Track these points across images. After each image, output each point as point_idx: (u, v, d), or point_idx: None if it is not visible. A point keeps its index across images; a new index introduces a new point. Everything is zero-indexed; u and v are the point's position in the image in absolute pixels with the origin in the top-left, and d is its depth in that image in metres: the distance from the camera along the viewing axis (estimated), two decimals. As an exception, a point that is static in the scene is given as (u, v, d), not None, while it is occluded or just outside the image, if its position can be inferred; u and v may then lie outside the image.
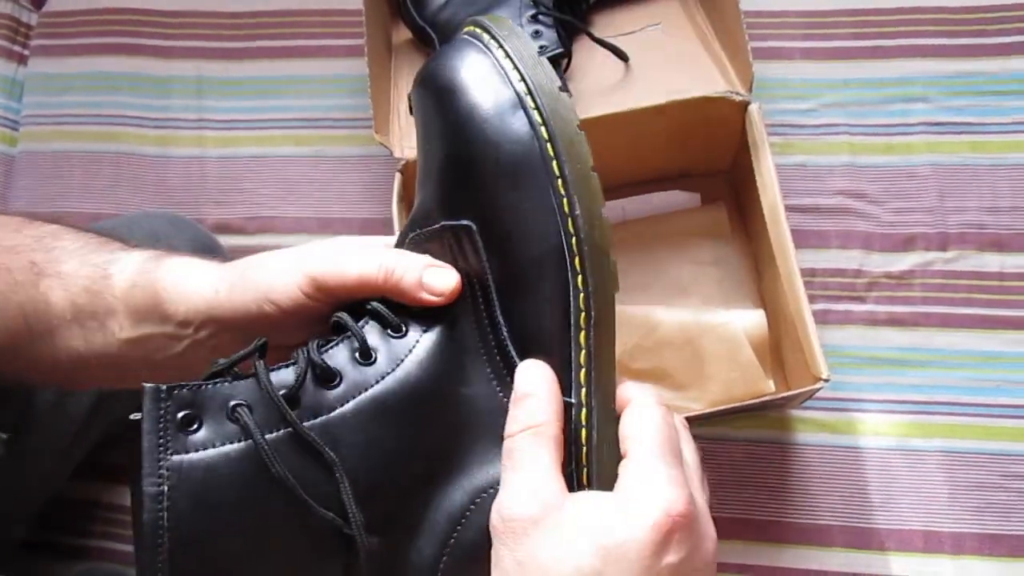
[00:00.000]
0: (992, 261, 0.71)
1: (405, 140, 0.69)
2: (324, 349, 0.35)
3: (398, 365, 0.34)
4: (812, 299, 0.57)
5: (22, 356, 0.42)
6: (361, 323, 0.36)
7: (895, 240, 0.73)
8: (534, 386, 0.33)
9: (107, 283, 0.41)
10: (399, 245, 0.39)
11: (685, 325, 0.66)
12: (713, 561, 0.32)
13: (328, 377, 0.34)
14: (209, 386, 0.32)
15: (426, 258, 0.36)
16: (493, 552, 0.31)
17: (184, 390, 0.32)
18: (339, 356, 0.34)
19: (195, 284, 0.40)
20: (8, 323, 0.41)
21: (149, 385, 0.32)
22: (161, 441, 0.31)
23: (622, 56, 0.69)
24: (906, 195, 0.74)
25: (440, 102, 0.36)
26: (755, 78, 0.64)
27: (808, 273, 0.72)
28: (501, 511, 0.31)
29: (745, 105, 0.65)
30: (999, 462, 0.66)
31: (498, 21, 0.37)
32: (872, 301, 0.71)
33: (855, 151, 0.76)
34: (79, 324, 0.41)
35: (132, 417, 0.32)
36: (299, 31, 0.88)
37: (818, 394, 0.58)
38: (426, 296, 0.35)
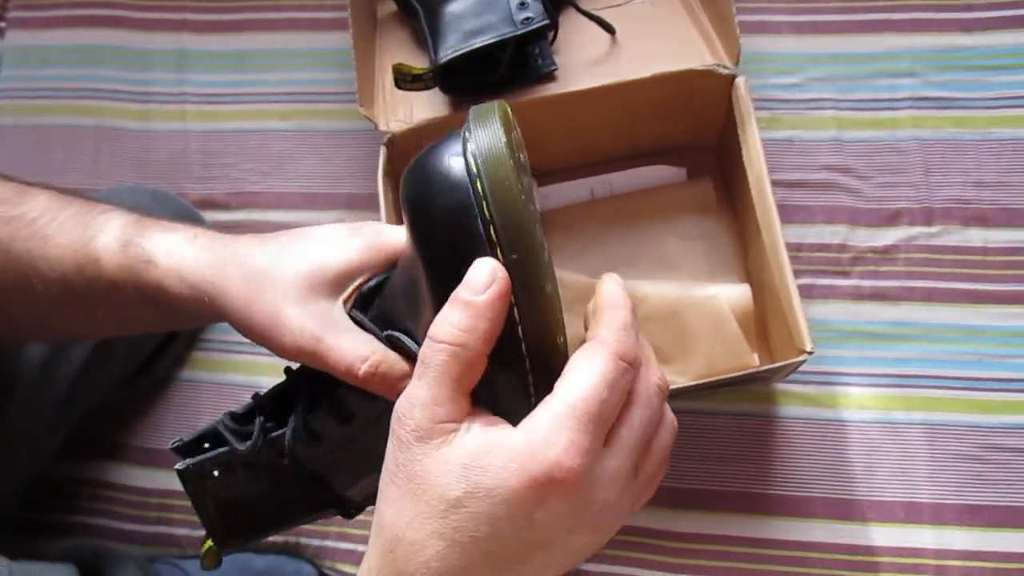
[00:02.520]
0: (976, 236, 0.72)
1: (390, 113, 0.68)
2: (311, 414, 0.39)
3: (373, 423, 0.38)
4: (797, 273, 0.57)
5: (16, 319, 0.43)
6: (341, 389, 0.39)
7: (880, 215, 0.73)
8: (475, 294, 0.30)
9: (83, 275, 0.40)
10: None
11: (670, 299, 0.66)
12: (589, 540, 0.31)
13: (314, 438, 0.39)
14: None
15: (397, 366, 0.36)
16: (388, 442, 0.32)
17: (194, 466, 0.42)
18: (323, 419, 0.39)
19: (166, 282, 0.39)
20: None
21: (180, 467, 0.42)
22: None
23: (609, 29, 0.69)
24: (891, 170, 0.74)
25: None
26: (742, 52, 0.63)
27: (793, 248, 0.72)
28: (397, 412, 0.31)
29: (732, 79, 0.65)
30: (979, 434, 0.67)
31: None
32: (856, 276, 0.72)
33: (841, 126, 0.76)
34: (65, 305, 0.41)
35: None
36: (282, 3, 0.87)
37: (802, 368, 0.58)
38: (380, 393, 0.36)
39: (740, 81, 0.64)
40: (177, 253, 0.39)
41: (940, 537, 0.64)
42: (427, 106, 0.68)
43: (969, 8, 0.77)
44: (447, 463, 0.30)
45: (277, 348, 0.37)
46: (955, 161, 0.74)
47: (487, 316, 0.30)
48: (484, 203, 0.30)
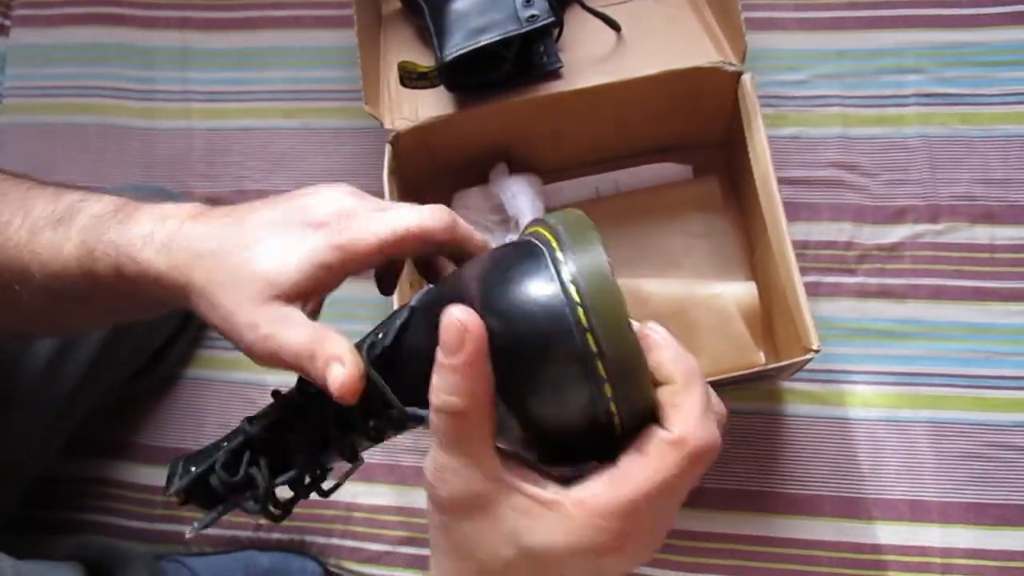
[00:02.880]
0: (982, 233, 0.71)
1: (395, 111, 0.68)
2: (323, 450, 0.38)
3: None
4: (803, 271, 0.57)
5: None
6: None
7: (886, 212, 0.73)
8: (453, 352, 0.29)
9: (70, 271, 0.39)
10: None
11: (676, 297, 0.66)
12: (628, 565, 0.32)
13: (324, 474, 0.39)
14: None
15: (336, 346, 0.33)
16: (429, 500, 0.32)
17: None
18: (332, 456, 0.38)
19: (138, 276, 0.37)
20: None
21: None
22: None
23: (614, 26, 0.69)
24: (898, 167, 0.74)
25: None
26: (748, 48, 0.63)
27: (799, 245, 0.72)
28: (428, 479, 0.31)
29: (738, 76, 0.64)
30: (986, 432, 0.66)
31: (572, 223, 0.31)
32: (863, 273, 0.72)
33: (847, 123, 0.76)
34: (59, 300, 0.40)
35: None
36: (286, 0, 0.87)
37: (808, 366, 0.58)
38: (329, 388, 0.33)
39: (746, 78, 0.64)
40: (144, 254, 0.37)
41: (947, 535, 0.64)
42: (432, 104, 0.68)
43: (976, 4, 0.77)
44: (494, 529, 0.30)
45: (240, 348, 0.35)
46: (962, 158, 0.73)
47: (474, 376, 0.29)
48: (591, 338, 0.28)
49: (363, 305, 0.56)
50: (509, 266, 0.31)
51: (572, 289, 0.29)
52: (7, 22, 0.91)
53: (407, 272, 0.49)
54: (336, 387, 0.32)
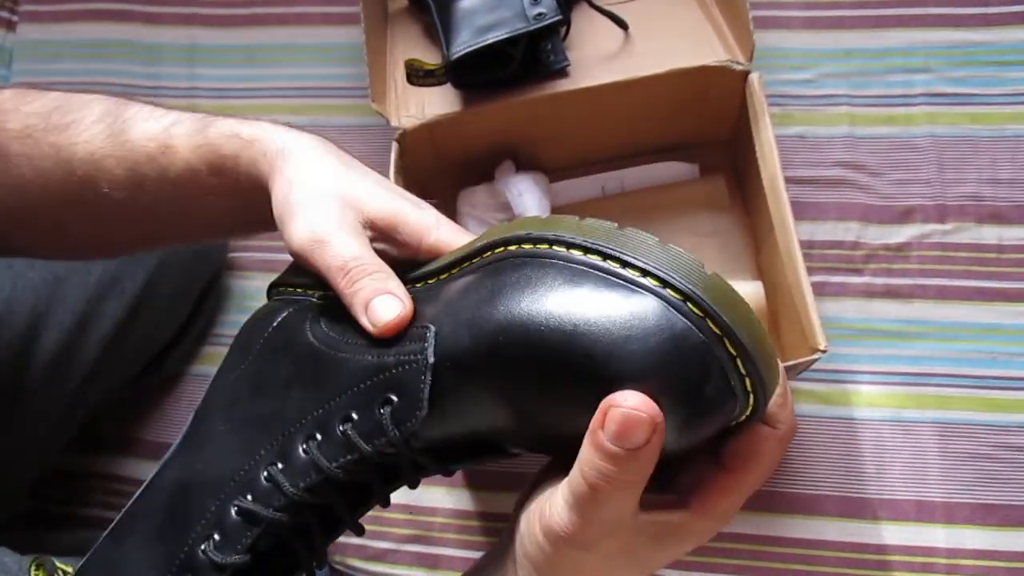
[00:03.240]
0: (990, 234, 0.71)
1: (402, 109, 0.68)
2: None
3: None
4: (810, 271, 0.57)
5: (68, 235, 0.44)
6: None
7: (893, 212, 0.73)
8: (633, 440, 0.26)
9: (154, 164, 0.40)
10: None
11: (683, 297, 0.66)
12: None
13: None
14: None
15: (386, 282, 0.34)
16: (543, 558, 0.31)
17: None
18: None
19: (248, 163, 0.39)
20: (46, 208, 0.42)
21: None
22: None
23: (621, 24, 0.68)
24: (905, 167, 0.74)
25: None
26: (755, 47, 0.63)
27: (806, 245, 0.72)
28: (570, 534, 0.29)
29: (745, 75, 0.64)
30: (992, 433, 0.66)
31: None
32: (869, 273, 0.71)
33: (855, 122, 0.75)
34: (131, 202, 0.41)
35: None
36: (293, -3, 0.87)
37: (814, 366, 0.58)
38: (365, 323, 0.33)
39: (754, 77, 0.64)
40: (275, 132, 0.39)
41: (952, 536, 0.64)
42: (439, 102, 0.68)
43: (985, 3, 0.77)
44: (631, 561, 0.31)
45: (287, 237, 0.36)
46: (970, 158, 0.73)
47: (649, 465, 0.27)
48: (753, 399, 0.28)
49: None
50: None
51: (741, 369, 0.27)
52: (14, 18, 0.91)
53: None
54: (384, 320, 0.32)
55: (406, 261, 0.37)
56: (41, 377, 0.60)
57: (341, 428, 0.32)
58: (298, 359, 0.36)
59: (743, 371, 0.27)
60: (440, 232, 0.36)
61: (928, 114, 0.75)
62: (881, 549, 0.65)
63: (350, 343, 0.34)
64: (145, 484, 0.37)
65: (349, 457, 0.32)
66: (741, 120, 0.67)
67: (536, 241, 0.31)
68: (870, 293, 0.71)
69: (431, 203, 0.39)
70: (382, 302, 0.33)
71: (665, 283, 0.27)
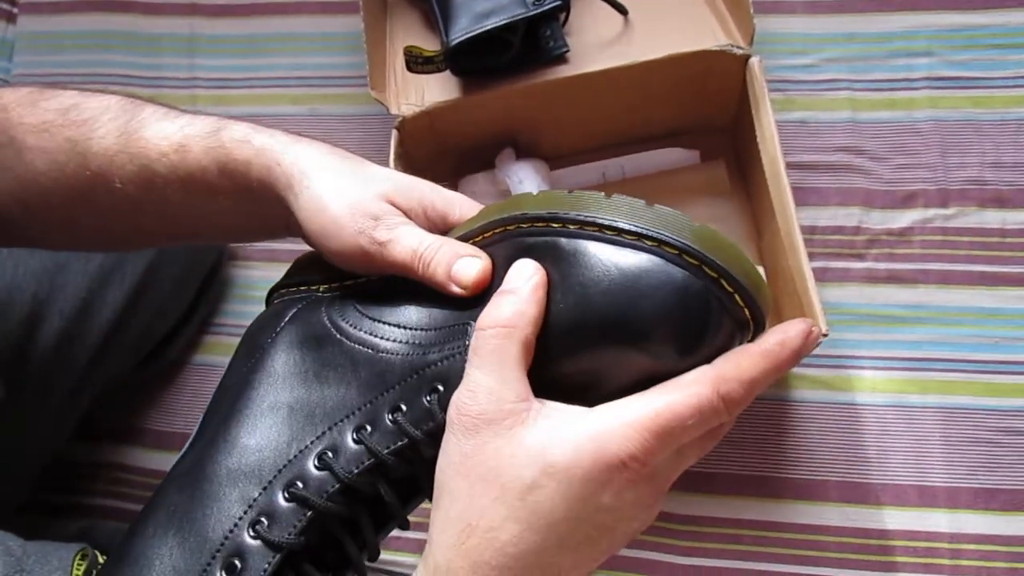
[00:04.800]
0: (993, 218, 0.71)
1: (401, 96, 0.68)
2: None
3: None
4: (811, 256, 0.57)
5: (78, 227, 0.45)
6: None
7: (895, 197, 0.72)
8: (518, 284, 0.32)
9: (165, 161, 0.41)
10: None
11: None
12: (642, 523, 0.33)
13: None
14: None
15: (455, 246, 0.36)
16: (443, 441, 0.32)
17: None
18: None
19: (261, 170, 0.40)
20: (59, 199, 0.42)
21: None
22: None
23: (621, 9, 0.68)
24: (907, 151, 0.73)
25: None
26: (756, 31, 0.62)
27: (807, 230, 0.72)
28: (458, 404, 0.31)
29: (746, 59, 0.64)
30: (995, 417, 0.66)
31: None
32: (871, 258, 0.71)
33: (856, 107, 0.75)
34: (143, 199, 0.42)
35: None
36: (292, -13, 0.87)
37: (816, 351, 0.58)
38: (454, 289, 0.35)
39: (754, 61, 0.63)
40: (285, 142, 0.40)
41: (955, 521, 0.64)
42: (438, 89, 0.68)
43: (988, -14, 0.76)
44: (521, 444, 0.30)
45: (340, 249, 0.38)
46: (972, 142, 0.73)
47: (533, 301, 0.31)
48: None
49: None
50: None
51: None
52: (14, 10, 0.91)
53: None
54: (471, 279, 0.35)
55: None
56: (43, 365, 0.60)
57: (391, 418, 0.35)
58: (328, 355, 0.37)
59: (741, 304, 0.31)
60: (464, 208, 0.39)
61: (930, 98, 0.74)
62: (883, 534, 0.65)
63: (386, 339, 0.36)
64: (166, 477, 0.38)
65: (401, 443, 0.34)
66: (742, 105, 0.66)
67: (534, 220, 0.33)
68: (872, 278, 0.71)
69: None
70: (462, 266, 0.35)
71: (660, 242, 0.31)
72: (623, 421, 0.30)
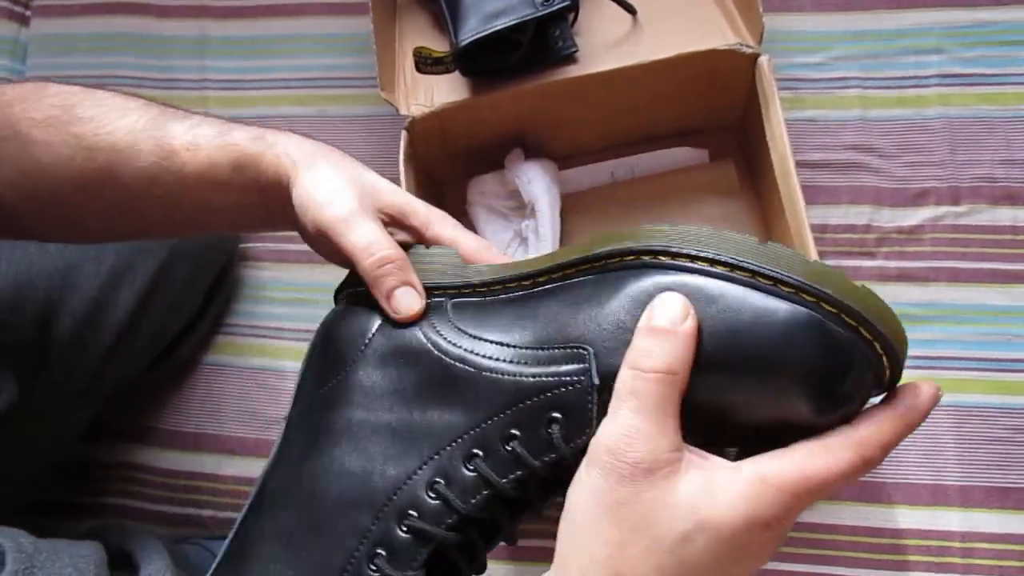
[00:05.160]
0: (1005, 215, 0.70)
1: (411, 97, 0.68)
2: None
3: None
4: (822, 255, 0.57)
5: (82, 220, 0.45)
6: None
7: (906, 195, 0.72)
8: (674, 324, 0.30)
9: (176, 159, 0.42)
10: None
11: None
12: (759, 562, 0.33)
13: None
14: None
15: (408, 273, 0.38)
16: (584, 477, 0.31)
17: None
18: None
19: (270, 162, 0.42)
20: (64, 193, 0.43)
21: None
22: None
23: (630, 9, 0.68)
24: (918, 149, 0.73)
25: None
26: (765, 30, 0.62)
27: (818, 229, 0.71)
28: (613, 449, 0.30)
29: (755, 58, 0.64)
30: (1008, 416, 0.66)
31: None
32: (882, 256, 0.71)
33: (867, 105, 0.75)
34: (150, 194, 0.43)
35: None
36: (302, -12, 0.87)
37: (827, 349, 0.57)
38: (386, 308, 0.37)
39: (763, 60, 0.63)
40: (293, 139, 0.43)
41: (968, 520, 0.64)
42: (448, 89, 0.68)
43: (999, -17, 0.76)
44: (677, 498, 0.30)
45: (314, 217, 0.39)
46: (984, 139, 0.72)
47: (689, 345, 0.30)
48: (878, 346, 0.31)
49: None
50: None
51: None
52: (28, 12, 0.92)
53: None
54: (407, 312, 0.37)
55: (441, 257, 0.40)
56: (55, 365, 0.61)
57: (508, 447, 0.34)
58: (426, 373, 0.36)
59: (887, 365, 0.31)
60: (444, 224, 0.41)
61: (941, 95, 0.74)
62: (896, 533, 0.64)
63: (488, 358, 0.35)
64: (255, 495, 0.38)
65: (519, 472, 0.34)
66: (751, 104, 0.66)
67: (675, 255, 0.32)
68: (883, 277, 0.70)
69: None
70: (405, 294, 0.37)
71: (819, 299, 0.30)
72: (774, 485, 0.30)
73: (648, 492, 0.30)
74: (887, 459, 0.65)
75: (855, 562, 0.64)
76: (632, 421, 0.30)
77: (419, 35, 0.73)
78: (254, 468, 0.73)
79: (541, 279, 0.37)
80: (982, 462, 0.65)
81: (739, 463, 0.31)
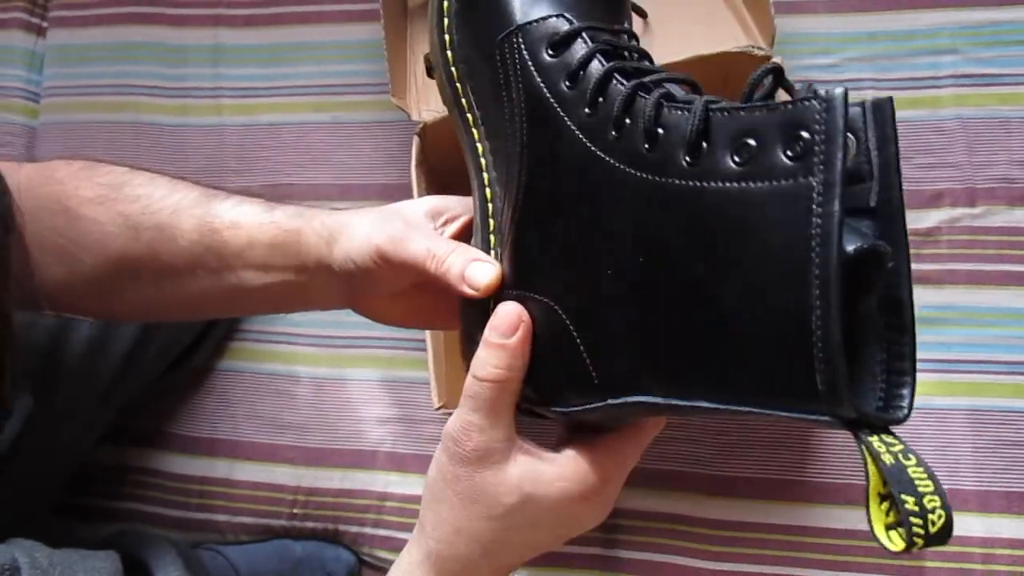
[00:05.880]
0: (1022, 216, 0.70)
1: (422, 103, 0.68)
2: None
3: None
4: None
5: (120, 300, 0.46)
6: None
7: (922, 197, 0.71)
8: (510, 337, 0.35)
9: (217, 237, 0.43)
10: None
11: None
12: (593, 518, 0.38)
13: None
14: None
15: (471, 252, 0.38)
16: (437, 454, 0.38)
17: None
18: None
19: (308, 237, 0.43)
20: (106, 270, 0.44)
21: None
22: None
23: (641, 12, 0.68)
24: (933, 150, 0.72)
25: None
26: (777, 32, 0.62)
27: (832, 231, 0.71)
28: (453, 433, 0.36)
29: (767, 60, 0.63)
30: (1027, 420, 0.65)
31: None
32: (898, 259, 0.70)
33: (881, 106, 0.74)
34: (191, 274, 0.44)
35: None
36: (314, -4, 0.88)
37: (841, 353, 0.57)
38: (466, 289, 0.38)
39: (776, 62, 0.63)
40: (331, 211, 0.44)
41: (987, 525, 0.63)
42: (459, 95, 0.68)
43: (1014, -18, 0.75)
44: (505, 478, 0.36)
45: (367, 251, 0.40)
46: (1000, 139, 0.72)
47: (520, 355, 0.36)
48: None
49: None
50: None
51: None
52: (44, 23, 0.93)
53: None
54: (484, 282, 0.37)
55: None
56: (72, 374, 0.61)
57: None
58: None
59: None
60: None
61: (956, 96, 0.73)
62: (913, 538, 0.64)
63: None
64: None
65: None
66: (763, 106, 0.66)
67: None
68: (899, 279, 0.70)
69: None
70: (476, 269, 0.38)
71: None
72: (587, 462, 0.36)
73: (481, 472, 0.36)
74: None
75: (872, 568, 0.64)
76: (469, 417, 0.36)
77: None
78: (267, 473, 0.74)
79: None
80: (1000, 466, 0.64)
81: (560, 449, 0.37)
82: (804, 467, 0.67)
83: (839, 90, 0.27)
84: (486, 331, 0.35)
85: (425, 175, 0.65)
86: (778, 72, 0.30)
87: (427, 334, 0.62)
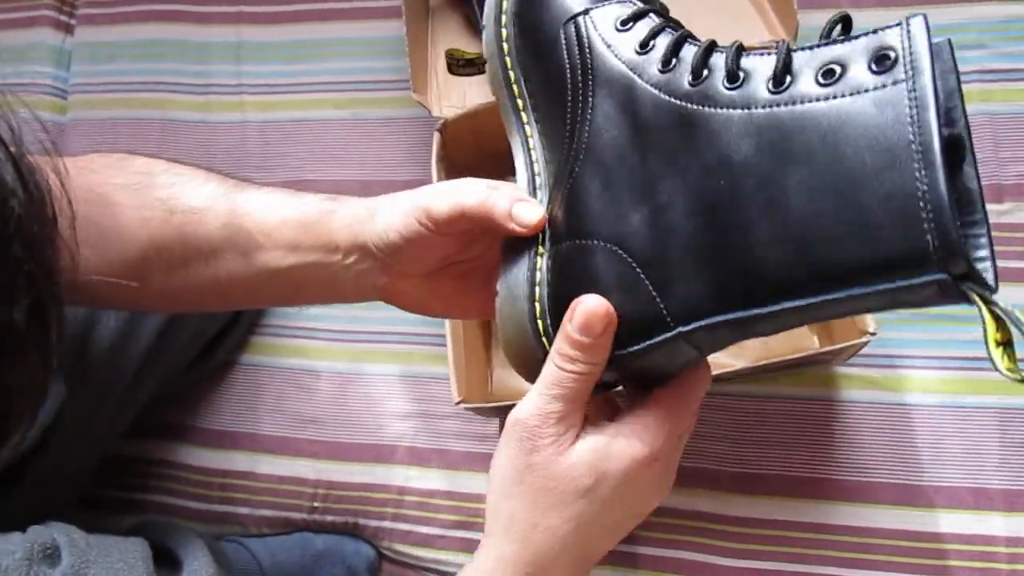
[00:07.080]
0: (1050, 213, 0.69)
1: (443, 100, 0.69)
2: None
3: None
4: (859, 252, 0.56)
5: (150, 286, 0.46)
6: None
7: (947, 193, 0.70)
8: (597, 334, 0.36)
9: (248, 219, 0.44)
10: None
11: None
12: (659, 491, 0.40)
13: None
14: None
15: (517, 192, 0.40)
16: (501, 449, 0.38)
17: None
18: None
19: (342, 217, 0.44)
20: (137, 255, 0.44)
21: None
22: None
23: (663, 8, 0.68)
24: (959, 146, 0.71)
25: None
26: (800, 27, 0.62)
27: (855, 228, 0.70)
28: (533, 426, 0.37)
29: (790, 55, 0.63)
30: (1055, 419, 0.64)
31: None
32: (922, 256, 0.69)
33: (905, 102, 0.73)
34: (220, 256, 0.45)
35: None
36: (336, -7, 0.88)
37: (865, 350, 0.57)
38: (514, 227, 0.38)
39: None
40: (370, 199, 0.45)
41: (1013, 524, 0.62)
42: (480, 91, 0.68)
43: (1042, -25, 0.74)
44: (578, 459, 0.37)
45: (408, 213, 0.41)
46: (1027, 135, 0.71)
47: (604, 350, 0.36)
48: None
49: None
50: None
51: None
52: (72, 21, 0.94)
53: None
54: (532, 220, 0.39)
55: None
56: (100, 364, 0.62)
57: None
58: None
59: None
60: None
61: (982, 91, 0.72)
62: (937, 537, 0.63)
63: None
64: None
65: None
66: (786, 101, 0.65)
67: None
68: (923, 276, 0.69)
69: None
70: (523, 206, 0.39)
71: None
72: (650, 426, 0.38)
73: (556, 459, 0.37)
74: (929, 460, 0.64)
75: (894, 567, 0.63)
76: (550, 407, 0.37)
77: (451, 37, 0.73)
78: (288, 467, 0.74)
79: None
80: (1027, 465, 0.63)
81: (620, 418, 0.38)
82: (827, 465, 0.66)
83: (918, 16, 0.31)
84: (571, 327, 0.36)
85: (446, 170, 0.65)
86: (847, 21, 0.34)
87: (447, 329, 0.62)
